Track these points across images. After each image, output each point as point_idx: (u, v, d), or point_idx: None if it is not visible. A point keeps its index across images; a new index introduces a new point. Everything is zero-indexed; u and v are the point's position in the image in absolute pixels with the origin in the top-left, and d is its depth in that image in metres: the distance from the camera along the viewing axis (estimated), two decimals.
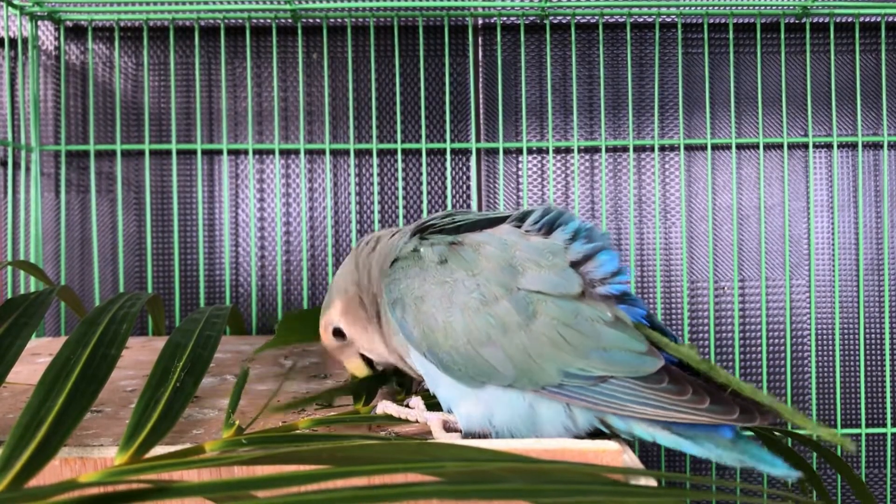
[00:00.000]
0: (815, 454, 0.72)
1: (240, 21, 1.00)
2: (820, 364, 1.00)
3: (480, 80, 1.02)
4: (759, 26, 1.00)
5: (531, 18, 1.00)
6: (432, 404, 0.54)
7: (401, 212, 1.01)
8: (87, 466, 0.41)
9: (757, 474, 0.99)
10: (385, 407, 0.53)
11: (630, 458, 0.46)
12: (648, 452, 1.00)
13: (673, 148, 1.01)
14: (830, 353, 1.00)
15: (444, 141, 1.00)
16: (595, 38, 1.01)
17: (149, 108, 0.99)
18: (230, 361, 0.75)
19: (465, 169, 1.01)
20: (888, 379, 0.98)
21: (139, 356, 0.77)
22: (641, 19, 1.00)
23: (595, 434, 0.51)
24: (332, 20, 1.00)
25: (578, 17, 1.00)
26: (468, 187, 1.01)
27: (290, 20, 0.99)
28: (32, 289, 0.95)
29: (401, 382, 0.62)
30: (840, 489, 0.98)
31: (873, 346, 1.00)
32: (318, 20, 0.99)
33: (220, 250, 1.00)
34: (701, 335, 1.00)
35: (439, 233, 0.54)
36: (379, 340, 0.56)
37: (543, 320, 0.48)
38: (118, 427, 0.51)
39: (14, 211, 0.98)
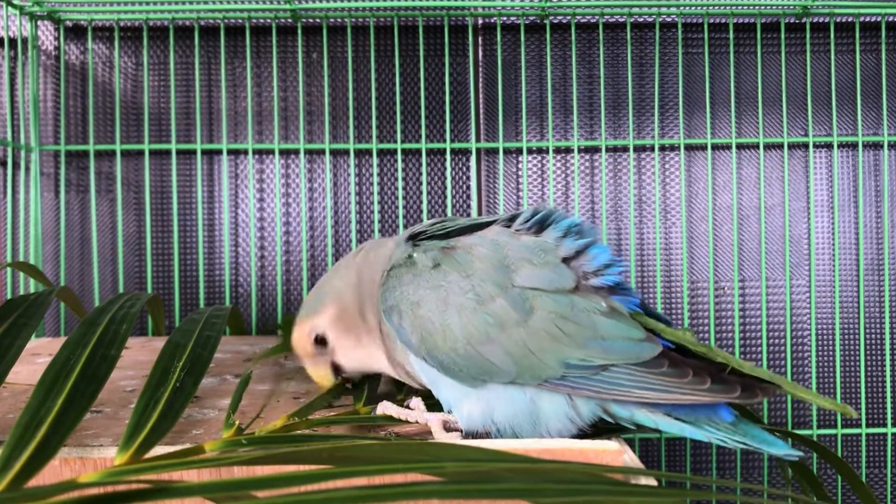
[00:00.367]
0: (815, 454, 0.72)
1: (240, 21, 0.99)
2: (820, 364, 1.00)
3: (480, 80, 1.02)
4: (759, 26, 1.00)
5: (531, 18, 1.00)
6: (431, 404, 0.54)
7: (401, 212, 1.01)
8: (86, 466, 0.41)
9: (757, 473, 0.99)
10: (385, 408, 0.54)
11: (630, 458, 0.46)
12: (649, 452, 1.00)
13: (673, 148, 1.01)
14: (831, 353, 1.00)
15: (444, 141, 1.00)
16: (595, 37, 1.01)
17: (148, 108, 0.99)
18: (230, 362, 0.75)
19: (465, 169, 1.01)
20: (888, 379, 0.98)
21: (139, 356, 0.77)
22: (641, 19, 1.00)
23: (596, 433, 0.51)
24: (332, 20, 1.00)
25: (578, 17, 1.00)
26: (468, 187, 1.01)
27: (290, 20, 0.99)
28: (32, 289, 0.95)
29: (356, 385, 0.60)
30: (840, 489, 0.98)
31: (873, 346, 1.00)
32: (318, 20, 0.99)
33: (219, 250, 1.00)
34: (701, 335, 1.00)
35: (431, 239, 0.55)
36: (379, 354, 0.55)
37: (540, 315, 0.49)
38: (118, 427, 0.51)
39: (14, 211, 0.98)
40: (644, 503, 0.33)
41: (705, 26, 0.99)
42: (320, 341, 0.56)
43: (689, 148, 1.01)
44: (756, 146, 1.00)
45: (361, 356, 0.56)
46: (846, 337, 1.00)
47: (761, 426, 0.51)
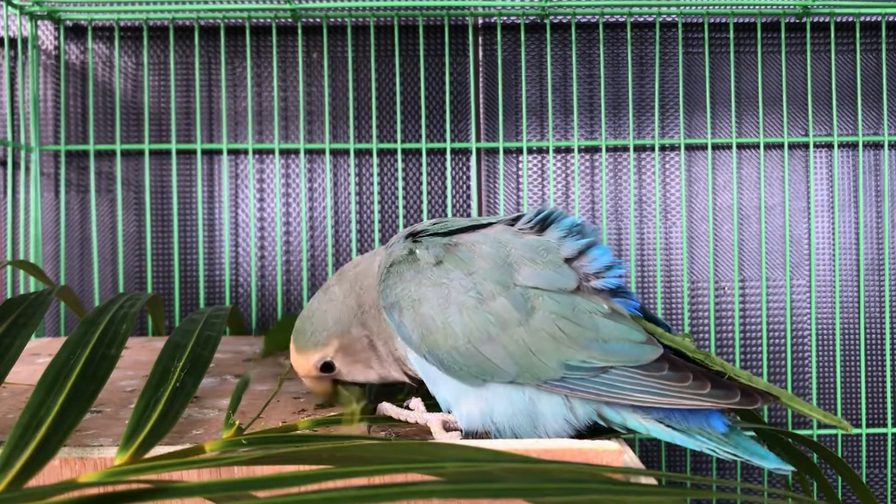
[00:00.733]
0: (815, 455, 0.72)
1: (240, 21, 0.99)
2: (820, 364, 1.00)
3: (480, 79, 1.01)
4: (759, 26, 1.00)
5: (531, 18, 1.00)
6: (431, 405, 0.54)
7: (401, 212, 1.01)
8: (86, 466, 0.41)
9: (758, 473, 0.99)
10: (385, 408, 0.53)
11: (630, 458, 0.46)
12: (649, 452, 1.00)
13: (673, 148, 1.01)
14: (831, 353, 1.00)
15: (444, 141, 1.00)
16: (595, 37, 1.00)
17: (148, 108, 0.99)
18: (230, 361, 0.75)
19: (465, 169, 1.01)
20: (888, 379, 0.98)
21: (139, 356, 0.77)
22: (642, 19, 1.00)
23: (596, 433, 0.51)
24: (332, 20, 1.00)
25: (579, 17, 1.00)
26: (468, 187, 1.01)
27: (290, 20, 0.99)
28: (32, 289, 0.95)
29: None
30: (841, 489, 0.98)
31: (874, 346, 1.00)
32: (318, 20, 0.99)
33: (219, 250, 1.00)
34: (701, 335, 1.00)
35: (433, 236, 0.54)
36: (391, 372, 0.55)
37: (542, 315, 0.49)
38: (118, 427, 0.51)
39: (14, 211, 0.98)
40: (644, 503, 0.33)
41: (705, 26, 0.99)
42: (327, 368, 0.55)
43: (689, 148, 1.01)
44: (756, 146, 1.00)
45: (371, 376, 0.56)
46: (846, 337, 1.00)
47: (758, 434, 0.51)
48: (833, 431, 0.98)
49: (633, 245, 1.00)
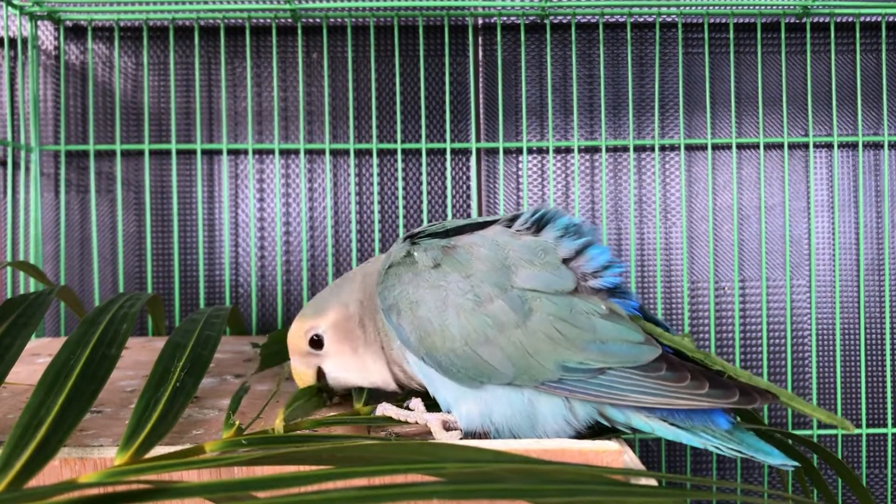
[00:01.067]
0: (815, 456, 0.72)
1: (240, 21, 0.99)
2: (820, 364, 1.00)
3: (480, 80, 1.01)
4: (759, 26, 1.00)
5: (531, 18, 1.00)
6: (430, 405, 0.54)
7: (401, 212, 1.01)
8: (86, 467, 0.41)
9: (758, 474, 0.99)
10: (384, 409, 0.53)
11: (630, 459, 0.46)
12: (649, 453, 1.00)
13: (673, 148, 1.01)
14: (831, 353, 1.00)
15: (444, 141, 1.00)
16: (595, 37, 1.00)
17: (148, 108, 0.99)
18: (230, 362, 0.75)
19: (465, 169, 1.01)
20: (889, 379, 0.98)
21: (139, 356, 0.77)
22: (642, 19, 1.00)
23: (596, 433, 0.51)
24: (332, 20, 1.00)
25: (578, 17, 1.00)
26: (468, 187, 1.01)
27: (290, 20, 0.99)
28: (32, 289, 0.95)
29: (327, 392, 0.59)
30: (840, 490, 0.98)
31: (874, 347, 1.00)
32: (318, 20, 0.99)
33: (219, 250, 1.00)
34: (701, 335, 1.00)
35: (431, 237, 0.54)
36: (375, 366, 0.55)
37: (539, 317, 0.49)
38: (118, 427, 0.51)
39: (14, 211, 0.98)
40: (644, 503, 0.33)
41: (705, 26, 0.99)
42: (316, 343, 0.55)
43: (689, 148, 1.01)
44: (756, 146, 1.00)
45: (355, 366, 0.55)
46: (846, 337, 1.00)
47: (758, 435, 0.51)
48: (833, 431, 0.98)
49: (633, 245, 1.00)
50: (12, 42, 0.99)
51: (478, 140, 1.01)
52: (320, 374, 0.57)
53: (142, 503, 0.31)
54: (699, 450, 1.01)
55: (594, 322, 0.49)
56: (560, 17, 1.00)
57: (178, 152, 1.00)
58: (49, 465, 0.35)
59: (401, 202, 1.00)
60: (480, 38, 1.02)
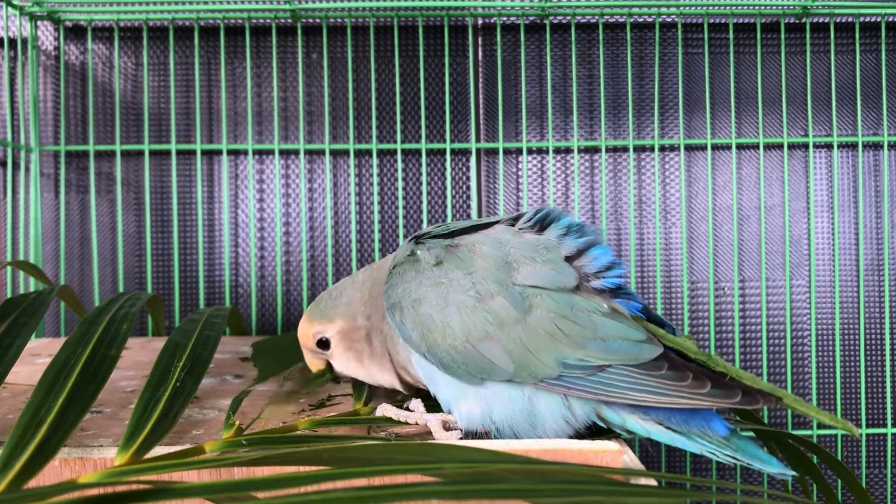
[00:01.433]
0: (815, 457, 0.72)
1: (239, 21, 0.99)
2: (820, 364, 1.00)
3: (480, 80, 1.02)
4: (759, 26, 1.00)
5: (531, 18, 1.00)
6: (430, 406, 0.54)
7: (400, 212, 1.01)
8: (86, 467, 0.41)
9: (757, 474, 0.99)
10: (384, 410, 0.54)
11: (630, 459, 0.46)
12: (649, 453, 1.00)
13: (673, 148, 1.01)
14: (831, 353, 1.00)
15: (444, 141, 1.00)
16: (595, 38, 1.01)
17: (148, 109, 0.99)
18: (230, 362, 0.75)
19: (464, 169, 1.01)
20: (888, 379, 0.98)
21: (139, 357, 0.77)
22: (641, 19, 1.00)
23: (596, 433, 0.51)
24: (331, 20, 1.00)
25: (578, 17, 1.00)
26: (468, 187, 1.01)
27: (289, 20, 0.99)
28: (32, 289, 0.95)
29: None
30: (840, 491, 0.98)
31: (873, 347, 1.00)
32: (317, 20, 0.99)
33: (219, 251, 1.00)
34: (701, 335, 1.00)
35: (435, 237, 0.55)
36: (381, 373, 0.56)
37: (540, 314, 0.49)
38: (118, 427, 0.51)
39: (14, 211, 0.98)
40: (643, 503, 0.33)
41: (705, 26, 0.99)
42: (323, 344, 0.57)
43: (688, 148, 1.01)
44: (756, 146, 1.00)
45: (361, 372, 0.57)
46: (846, 337, 1.00)
47: (757, 434, 0.51)
48: (833, 432, 0.98)
49: (633, 246, 1.00)
50: (12, 42, 0.99)
51: (478, 140, 1.01)
52: (330, 365, 0.58)
53: (142, 503, 0.31)
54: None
55: (595, 319, 0.49)
56: (560, 18, 1.00)
57: (178, 153, 1.00)
58: (49, 465, 0.35)
59: (400, 202, 1.00)
60: (480, 39, 1.02)
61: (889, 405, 0.98)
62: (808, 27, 0.98)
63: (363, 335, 0.55)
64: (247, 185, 1.01)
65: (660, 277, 0.99)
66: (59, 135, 0.99)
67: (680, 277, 1.00)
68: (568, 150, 1.01)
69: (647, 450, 1.00)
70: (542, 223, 0.55)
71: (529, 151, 1.01)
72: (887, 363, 0.98)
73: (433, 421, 0.52)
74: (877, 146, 1.00)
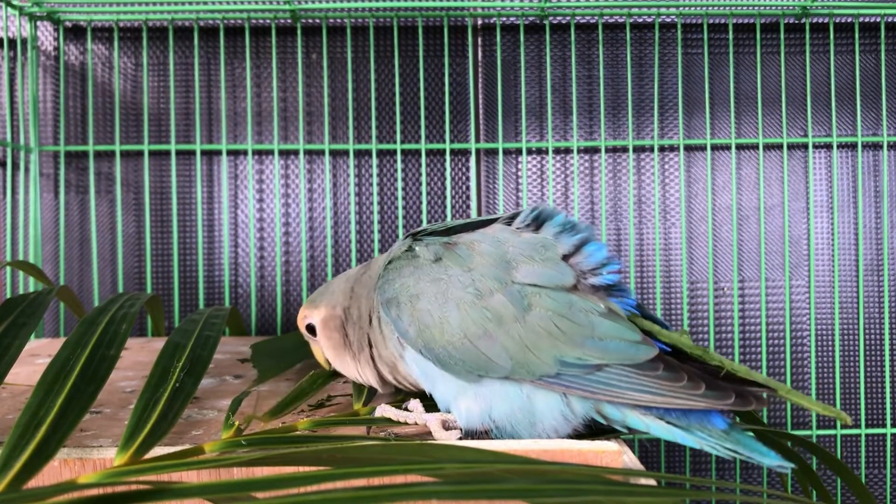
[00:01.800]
0: (814, 458, 0.72)
1: (239, 21, 0.99)
2: (820, 364, 1.00)
3: (480, 80, 1.02)
4: (758, 26, 1.00)
5: (531, 18, 1.00)
6: (429, 406, 0.54)
7: (400, 212, 1.01)
8: (86, 467, 0.41)
9: (757, 474, 0.99)
10: (384, 410, 0.54)
11: (630, 459, 0.46)
12: (648, 453, 1.00)
13: (673, 148, 1.01)
14: (830, 353, 1.00)
15: (444, 141, 1.00)
16: (595, 38, 1.01)
17: (148, 109, 0.99)
18: (229, 362, 0.75)
19: (464, 169, 1.01)
20: (888, 379, 0.98)
21: (138, 357, 0.77)
22: (641, 19, 1.00)
23: (595, 433, 0.51)
24: (331, 20, 1.00)
25: (578, 18, 1.00)
26: (468, 188, 1.01)
27: (289, 20, 0.99)
28: (32, 289, 0.95)
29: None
30: (840, 491, 0.98)
31: (873, 347, 1.00)
32: (317, 20, 0.99)
33: (219, 251, 1.00)
34: (701, 336, 1.00)
35: (432, 235, 0.55)
36: (364, 367, 0.56)
37: (538, 312, 0.49)
38: (117, 428, 0.51)
39: (13, 211, 0.98)
40: (643, 503, 0.33)
41: (705, 27, 0.99)
42: (310, 330, 0.59)
43: (688, 148, 1.01)
44: (755, 146, 1.00)
45: (339, 362, 0.58)
46: (846, 337, 1.00)
47: (756, 435, 0.51)
48: (832, 432, 0.98)
49: (633, 246, 1.00)
50: (12, 42, 0.99)
51: (477, 140, 1.01)
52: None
53: (141, 503, 0.31)
54: (698, 450, 1.01)
55: (592, 319, 0.49)
56: (559, 18, 1.00)
57: (178, 153, 1.00)
58: (49, 465, 0.35)
59: (400, 203, 1.00)
60: (480, 39, 1.02)
61: (888, 405, 0.98)
62: (807, 27, 0.98)
63: (339, 325, 0.57)
64: (246, 186, 1.01)
65: (659, 278, 0.99)
66: (59, 135, 0.99)
67: (680, 278, 1.00)
68: (567, 151, 1.01)
69: (646, 450, 1.00)
70: (537, 221, 0.55)
71: (529, 152, 1.01)
72: (887, 363, 0.98)
73: (433, 420, 0.52)
74: (876, 146, 1.00)
